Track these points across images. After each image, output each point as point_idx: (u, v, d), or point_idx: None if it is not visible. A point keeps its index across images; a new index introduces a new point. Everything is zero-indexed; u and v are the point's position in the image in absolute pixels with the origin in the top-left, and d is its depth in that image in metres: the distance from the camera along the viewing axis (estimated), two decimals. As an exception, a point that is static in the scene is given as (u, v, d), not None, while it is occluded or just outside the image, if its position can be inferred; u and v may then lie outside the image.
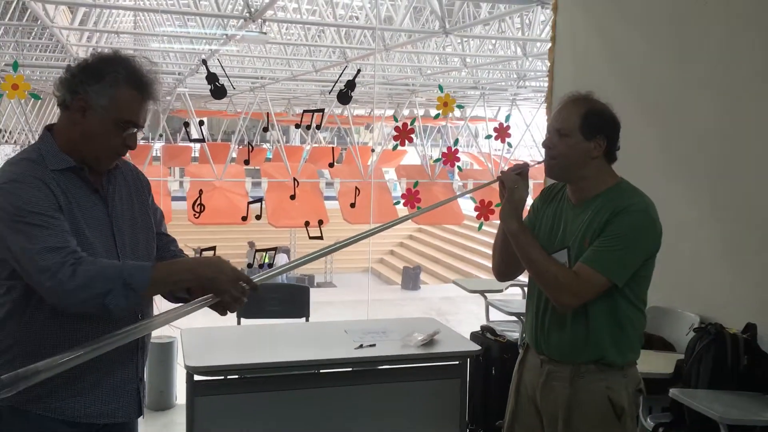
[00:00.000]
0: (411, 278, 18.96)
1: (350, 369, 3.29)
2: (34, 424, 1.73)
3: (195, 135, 11.24)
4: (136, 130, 1.80)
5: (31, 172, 1.69)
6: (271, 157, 23.36)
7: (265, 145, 25.88)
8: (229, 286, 1.73)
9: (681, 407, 2.88)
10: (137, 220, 1.90)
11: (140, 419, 1.97)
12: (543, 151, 2.24)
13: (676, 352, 3.30)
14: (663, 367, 3.07)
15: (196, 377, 2.97)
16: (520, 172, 2.17)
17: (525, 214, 2.28)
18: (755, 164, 3.13)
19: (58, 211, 1.68)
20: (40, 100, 20.04)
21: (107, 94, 1.73)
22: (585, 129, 2.09)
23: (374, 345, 3.25)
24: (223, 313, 1.80)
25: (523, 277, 2.44)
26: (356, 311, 11.95)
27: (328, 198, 18.81)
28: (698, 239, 3.44)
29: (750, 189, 3.16)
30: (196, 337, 3.28)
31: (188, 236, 16.54)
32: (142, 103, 1.79)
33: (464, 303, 12.57)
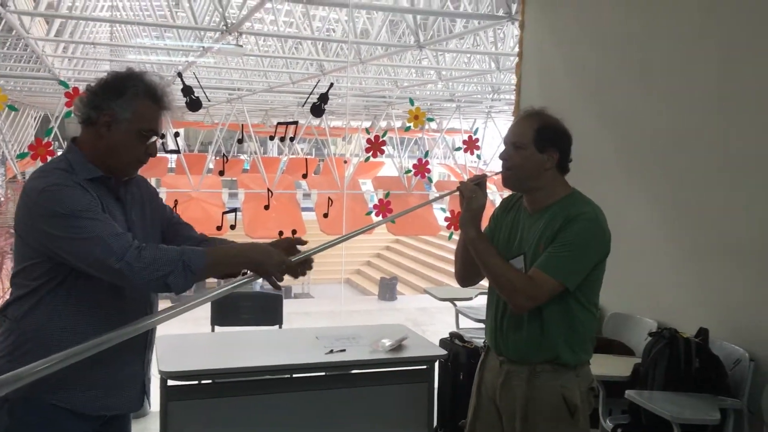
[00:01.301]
0: (387, 289, 19.02)
1: (322, 374, 3.38)
2: (45, 414, 1.84)
3: (171, 146, 11.28)
4: (156, 138, 1.96)
5: (70, 178, 1.83)
6: (248, 168, 23.34)
7: (242, 156, 25.83)
8: (275, 270, 1.89)
9: (639, 409, 3.01)
10: (148, 225, 2.06)
11: None
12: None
13: (635, 356, 3.44)
14: (621, 371, 3.20)
15: (170, 382, 3.05)
16: (479, 182, 2.29)
17: (486, 222, 2.41)
18: (710, 174, 3.27)
19: (104, 211, 1.83)
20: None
21: (130, 108, 1.89)
22: (538, 142, 2.22)
23: (344, 350, 3.35)
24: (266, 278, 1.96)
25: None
26: (332, 321, 11.99)
27: (305, 209, 18.84)
28: (656, 248, 3.58)
29: (705, 199, 3.30)
30: (171, 343, 3.35)
31: (164, 247, 16.42)
32: (159, 112, 1.96)
33: (439, 313, 12.65)
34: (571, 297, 2.18)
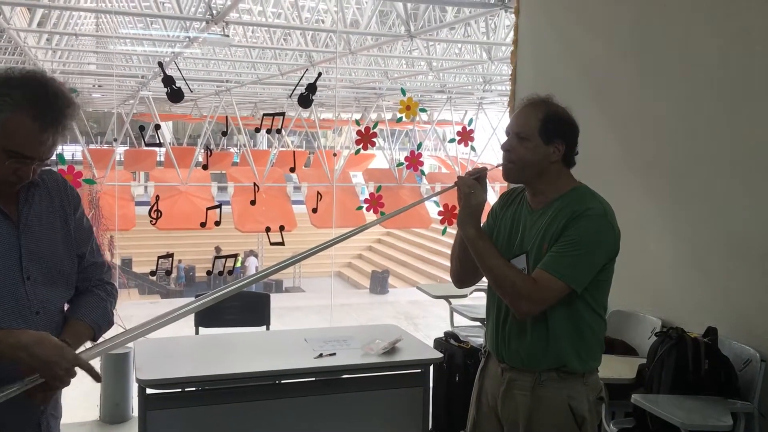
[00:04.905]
0: (379, 282, 18.91)
1: (311, 379, 3.21)
2: None
3: (156, 139, 11.09)
4: (28, 161, 1.58)
5: None
6: (238, 161, 23.15)
7: (232, 149, 25.63)
8: (65, 374, 1.52)
9: (644, 412, 2.86)
10: (58, 243, 1.71)
11: None
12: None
13: (638, 356, 3.29)
14: (625, 372, 3.05)
15: (149, 390, 2.88)
16: (478, 176, 2.12)
17: (485, 218, 2.24)
18: (716, 166, 3.12)
19: None
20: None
21: None
22: (544, 133, 2.06)
23: (334, 354, 3.18)
24: (38, 399, 1.57)
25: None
26: (324, 316, 11.85)
27: (296, 202, 18.67)
28: (660, 243, 3.43)
29: (712, 193, 3.15)
30: (151, 348, 3.17)
31: (152, 242, 16.31)
32: (36, 134, 1.55)
33: (432, 306, 12.52)
34: (578, 300, 2.02)
